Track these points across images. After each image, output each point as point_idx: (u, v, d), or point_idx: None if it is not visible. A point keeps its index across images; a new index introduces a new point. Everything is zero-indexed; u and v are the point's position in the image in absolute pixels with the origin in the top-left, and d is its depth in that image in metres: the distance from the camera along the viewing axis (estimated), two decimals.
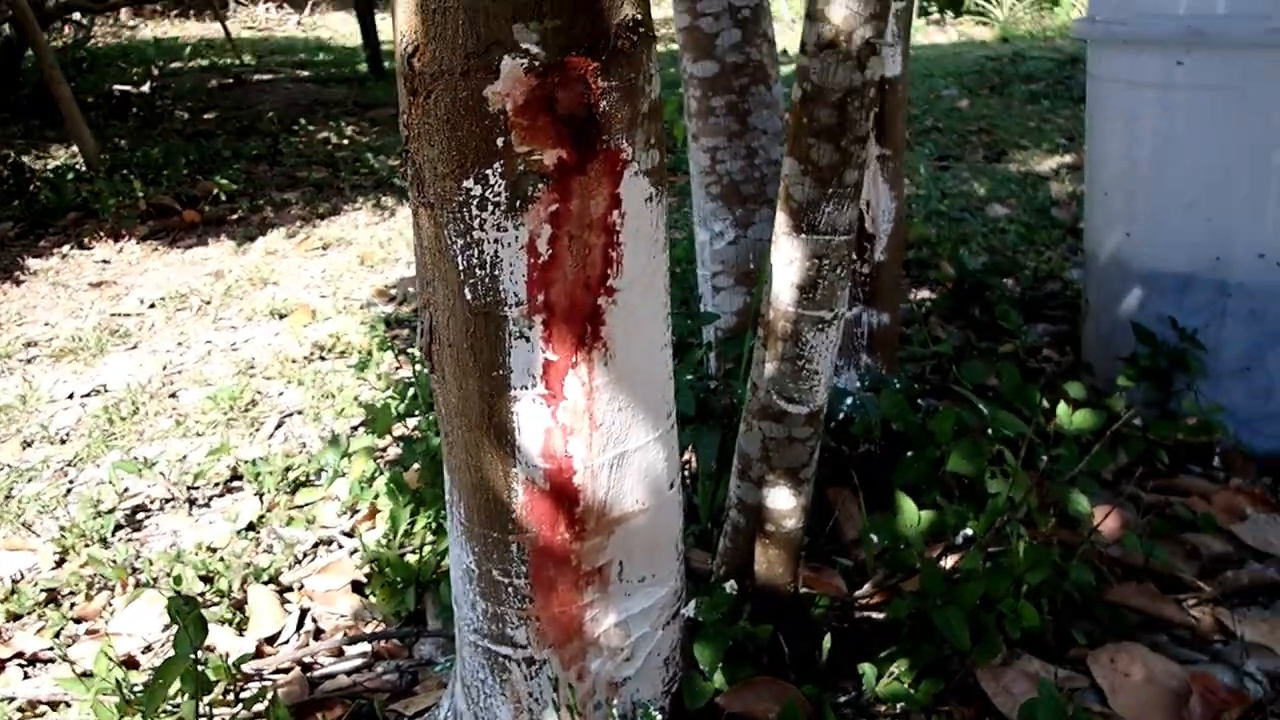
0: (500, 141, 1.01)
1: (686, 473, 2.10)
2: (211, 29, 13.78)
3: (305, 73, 9.87)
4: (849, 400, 1.96)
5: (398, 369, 3.10)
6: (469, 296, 1.08)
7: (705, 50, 2.24)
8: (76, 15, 9.00)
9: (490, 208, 1.04)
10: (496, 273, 1.07)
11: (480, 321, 1.09)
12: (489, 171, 1.02)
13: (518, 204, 1.03)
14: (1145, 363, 2.18)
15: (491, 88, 0.99)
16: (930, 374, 2.53)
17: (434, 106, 1.01)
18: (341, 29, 15.52)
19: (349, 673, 1.76)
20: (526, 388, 1.12)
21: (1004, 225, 4.10)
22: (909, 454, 1.79)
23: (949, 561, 1.63)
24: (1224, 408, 2.13)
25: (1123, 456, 2.08)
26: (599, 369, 1.13)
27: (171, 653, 1.46)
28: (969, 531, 1.57)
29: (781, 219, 1.36)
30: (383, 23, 9.73)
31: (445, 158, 1.03)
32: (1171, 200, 2.18)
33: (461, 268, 1.07)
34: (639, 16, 1.04)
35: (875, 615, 1.61)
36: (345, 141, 6.82)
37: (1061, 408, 1.97)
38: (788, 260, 1.36)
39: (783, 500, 1.46)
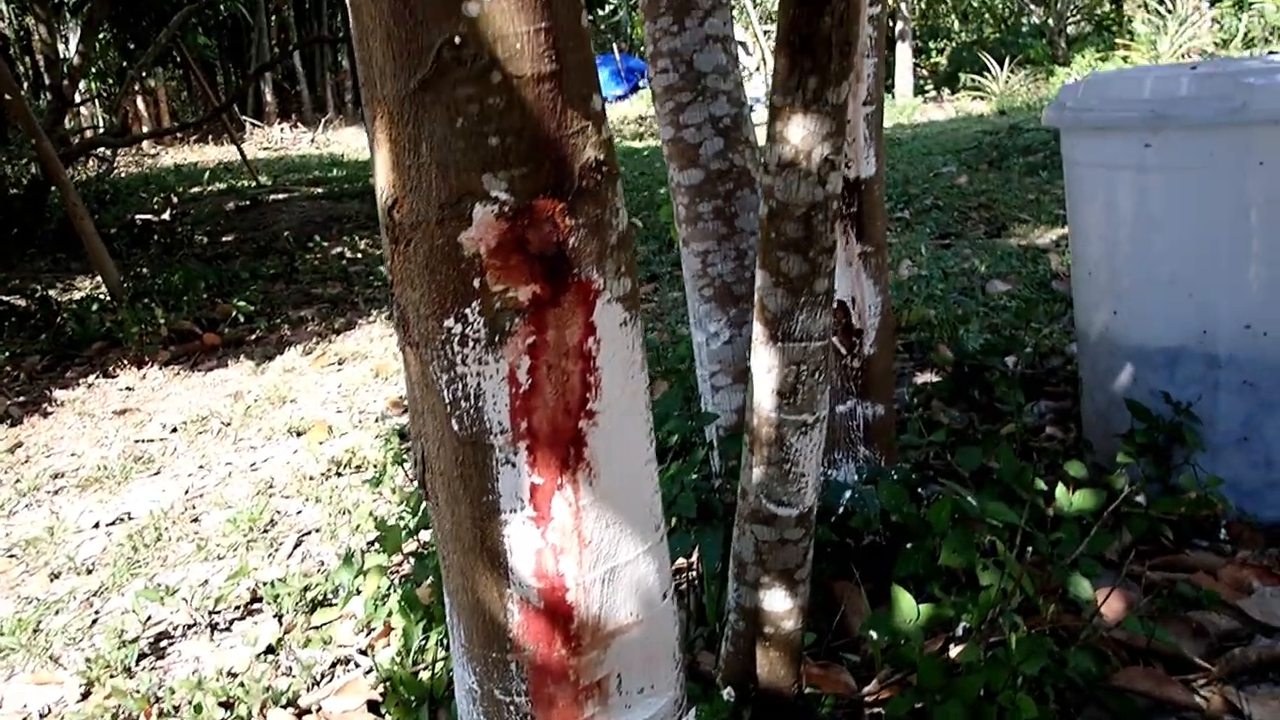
0: (477, 282, 1.07)
1: (694, 573, 2.13)
2: (229, 152, 14.17)
3: (319, 190, 10.14)
4: (848, 493, 1.99)
5: (412, 482, 3.15)
6: (456, 427, 1.14)
7: (690, 159, 2.33)
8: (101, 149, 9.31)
9: (471, 344, 1.10)
10: (480, 404, 1.12)
11: (468, 450, 1.15)
12: (468, 310, 1.08)
13: (497, 339, 1.09)
14: (1142, 439, 2.20)
15: (466, 234, 1.06)
16: (933, 459, 2.56)
17: (414, 253, 1.08)
18: (353, 143, 15.97)
19: None
20: (516, 511, 1.16)
21: (1005, 302, 4.16)
22: (908, 545, 1.81)
23: (954, 653, 1.65)
24: (1224, 480, 2.15)
25: (1126, 535, 2.09)
26: (584, 489, 1.18)
27: None
28: (967, 624, 1.59)
29: (758, 329, 1.41)
30: None
31: (427, 300, 1.09)
32: (1154, 277, 2.22)
33: (448, 401, 1.13)
34: (601, 157, 1.11)
35: (882, 712, 1.62)
36: (359, 255, 6.99)
37: (1060, 489, 2.00)
38: (766, 368, 1.41)
39: (779, 603, 1.49)
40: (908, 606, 1.61)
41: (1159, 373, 2.26)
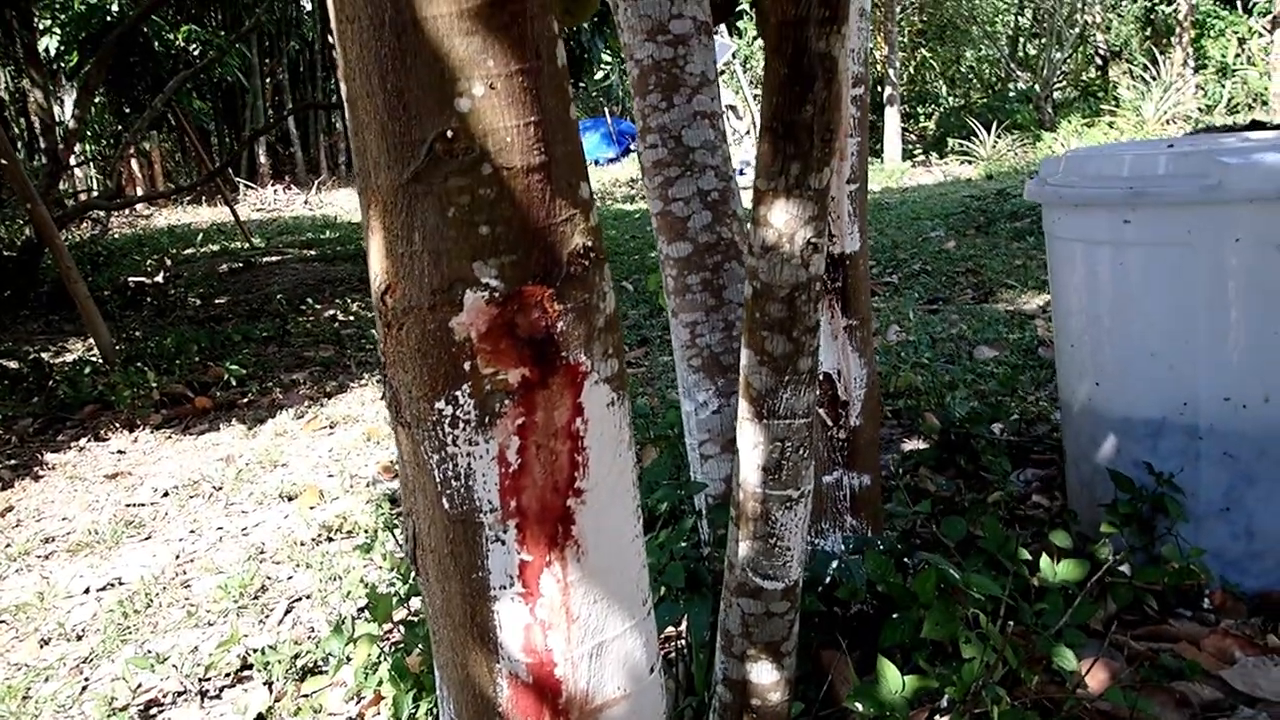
0: (467, 365, 1.10)
1: (682, 641, 2.14)
2: (223, 212, 14.28)
3: (312, 252, 10.22)
4: (835, 563, 2.01)
5: (402, 548, 3.15)
6: (447, 506, 1.16)
7: (679, 232, 2.38)
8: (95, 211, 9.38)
9: (461, 425, 1.12)
10: (471, 483, 1.15)
11: (458, 528, 1.17)
12: (458, 392, 1.11)
13: (487, 420, 1.12)
14: (1126, 509, 2.23)
15: (457, 319, 1.09)
16: (920, 528, 2.58)
17: (406, 337, 1.11)
18: (346, 205, 16.10)
19: None
20: (505, 588, 1.18)
21: (992, 368, 4.20)
22: (894, 616, 1.83)
23: None
24: (1207, 550, 2.17)
25: (1111, 605, 2.11)
26: (572, 566, 1.20)
27: None
28: (952, 696, 1.60)
29: (743, 405, 1.44)
30: None
31: (418, 382, 1.12)
32: (1135, 350, 2.27)
33: (438, 480, 1.15)
34: (589, 244, 1.15)
35: None
36: (351, 318, 7.03)
37: (1045, 560, 2.02)
38: (752, 444, 1.44)
39: (766, 675, 1.50)
40: (893, 678, 1.62)
41: (1141, 444, 2.29)
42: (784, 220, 1.35)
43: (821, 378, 2.21)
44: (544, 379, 1.14)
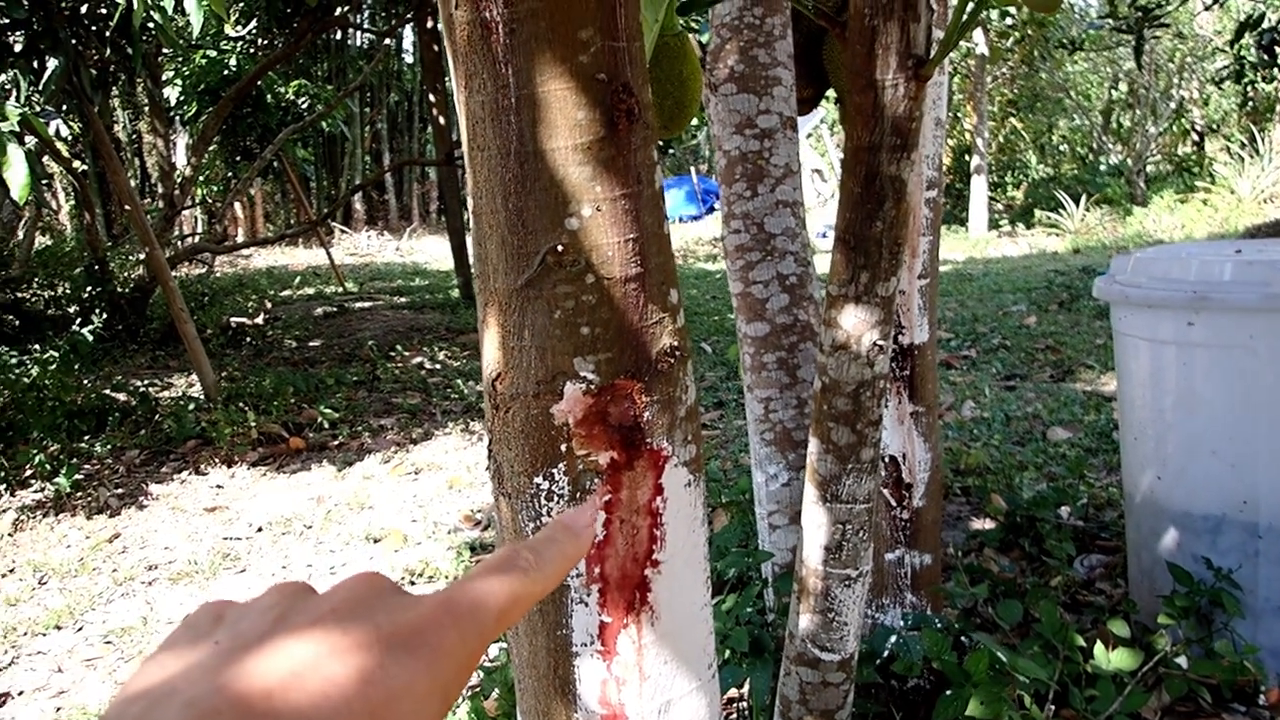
0: (563, 447, 1.25)
1: (744, 704, 2.25)
2: (318, 255, 14.80)
3: (402, 299, 10.55)
4: (893, 638, 2.11)
5: None
6: None
7: (757, 313, 2.52)
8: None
9: (556, 499, 1.27)
10: None
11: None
12: (555, 470, 1.26)
13: (578, 495, 1.27)
14: (1183, 602, 2.29)
15: (557, 406, 1.24)
16: (981, 607, 2.65)
17: (512, 420, 1.27)
18: (435, 252, 16.54)
19: None
20: (586, 645, 1.32)
21: (1064, 450, 4.24)
22: (947, 693, 1.92)
23: None
24: (1263, 647, 2.22)
25: (1165, 696, 2.17)
26: (646, 629, 1.33)
27: None
28: None
29: (809, 489, 1.57)
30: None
31: (520, 459, 1.28)
32: (1197, 447, 2.34)
33: None
34: (675, 344, 1.29)
35: None
36: (438, 366, 7.28)
37: (1099, 647, 2.09)
38: (816, 525, 1.57)
39: None
40: None
41: (1201, 538, 2.35)
42: (853, 324, 1.49)
43: (887, 460, 2.33)
44: (630, 461, 1.29)
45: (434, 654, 0.35)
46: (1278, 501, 2.25)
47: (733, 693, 2.35)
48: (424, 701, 0.33)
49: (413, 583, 3.51)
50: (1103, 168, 18.34)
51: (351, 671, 0.32)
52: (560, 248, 1.24)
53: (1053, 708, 1.79)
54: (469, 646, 0.36)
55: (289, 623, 0.35)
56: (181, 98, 9.72)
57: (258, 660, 0.32)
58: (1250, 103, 17.47)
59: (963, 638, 2.25)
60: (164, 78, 9.74)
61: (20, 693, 2.94)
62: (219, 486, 4.82)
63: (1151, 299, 2.36)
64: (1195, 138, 18.49)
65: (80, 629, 3.35)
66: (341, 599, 0.36)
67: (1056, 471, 3.91)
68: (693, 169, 22.02)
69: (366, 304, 10.33)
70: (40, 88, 4.74)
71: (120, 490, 4.76)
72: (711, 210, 20.69)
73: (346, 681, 0.32)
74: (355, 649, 0.33)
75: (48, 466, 4.83)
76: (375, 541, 3.99)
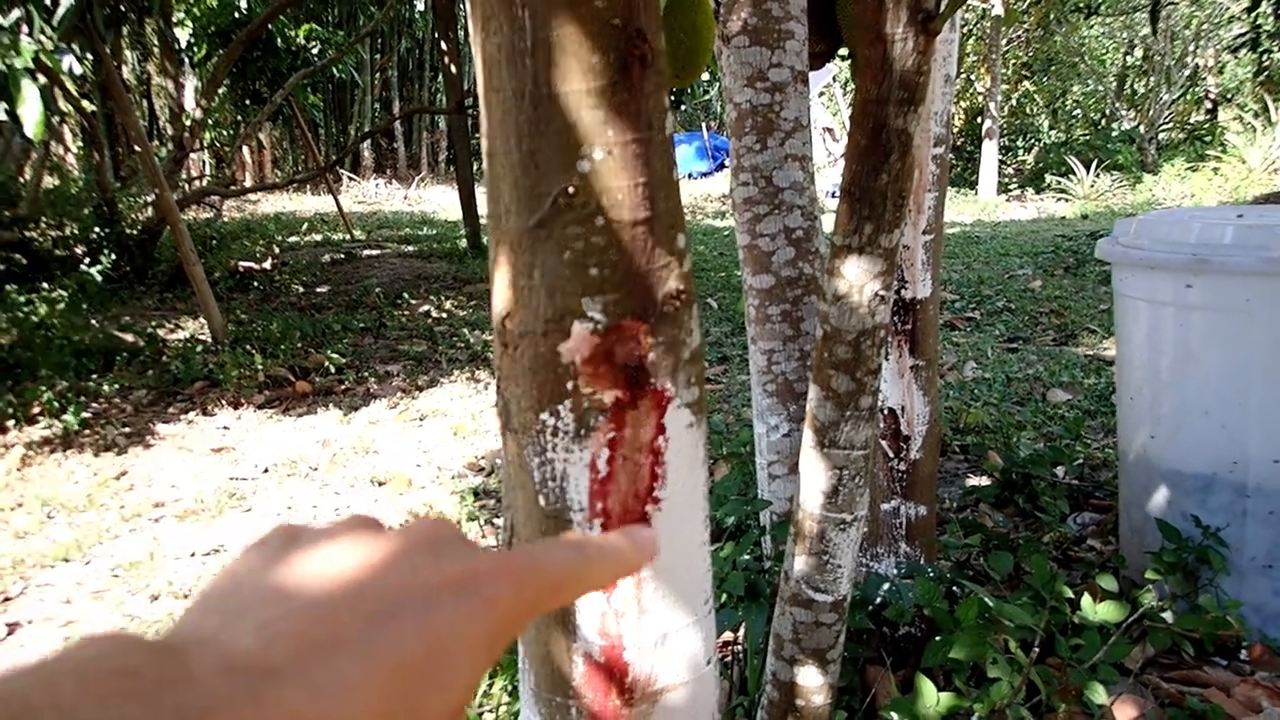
0: (570, 385, 1.29)
1: (739, 647, 2.31)
2: (326, 202, 14.77)
3: (410, 247, 10.56)
4: (886, 586, 2.16)
5: (484, 538, 3.37)
6: (542, 503, 1.35)
7: (763, 265, 2.55)
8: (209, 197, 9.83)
9: (561, 435, 1.31)
10: (565, 485, 1.33)
11: (551, 523, 1.35)
12: (560, 407, 1.30)
13: (582, 432, 1.31)
14: (1171, 558, 2.34)
15: (564, 345, 1.28)
16: (974, 560, 2.71)
17: (520, 357, 1.30)
18: (443, 201, 16.51)
19: None
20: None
21: (1063, 411, 4.28)
22: (937, 639, 1.97)
23: None
24: (1247, 603, 2.27)
25: (1149, 648, 2.22)
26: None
27: None
28: (980, 714, 1.74)
29: (808, 435, 1.61)
30: (481, 198, 10.48)
31: (527, 396, 1.31)
32: (1190, 408, 2.38)
33: (536, 480, 1.34)
34: (681, 288, 1.33)
35: None
36: (444, 315, 7.31)
37: (1086, 599, 2.14)
38: (813, 470, 1.61)
39: (811, 678, 1.66)
40: (929, 694, 1.77)
41: (1191, 497, 2.40)
42: (855, 274, 1.52)
43: (886, 412, 2.37)
44: (634, 400, 1.33)
45: (487, 603, 0.36)
46: (1267, 462, 2.29)
47: (728, 636, 2.41)
48: (476, 646, 0.35)
49: None
50: (1115, 134, 18.24)
51: (416, 607, 0.34)
52: (572, 189, 1.27)
53: (1038, 651, 1.85)
54: (521, 605, 0.38)
55: (358, 552, 0.36)
56: (192, 39, 9.68)
57: (327, 586, 0.34)
58: (1265, 72, 17.32)
59: (954, 587, 2.30)
60: (175, 18, 9.70)
61: (30, 621, 3.01)
62: (225, 428, 4.88)
63: (1152, 260, 2.38)
64: (1209, 106, 18.35)
65: (88, 562, 3.41)
66: (411, 537, 0.38)
67: (1054, 432, 3.95)
68: (704, 125, 21.90)
69: (374, 252, 10.35)
70: (54, 24, 4.73)
71: (128, 429, 4.82)
72: (722, 166, 20.62)
73: (410, 616, 0.34)
74: (420, 585, 0.35)
75: (56, 404, 4.88)
76: (380, 485, 4.04)
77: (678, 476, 1.43)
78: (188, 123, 8.19)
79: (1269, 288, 2.21)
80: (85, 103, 7.71)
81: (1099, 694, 1.86)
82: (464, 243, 10.39)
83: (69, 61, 4.84)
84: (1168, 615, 2.31)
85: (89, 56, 6.03)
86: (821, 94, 16.98)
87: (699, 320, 1.43)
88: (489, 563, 0.38)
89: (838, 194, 1.57)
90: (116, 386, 5.30)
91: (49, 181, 8.32)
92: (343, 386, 5.51)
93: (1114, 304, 2.63)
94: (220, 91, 9.59)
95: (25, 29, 4.44)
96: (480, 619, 0.35)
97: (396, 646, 0.32)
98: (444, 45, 9.92)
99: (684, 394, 1.41)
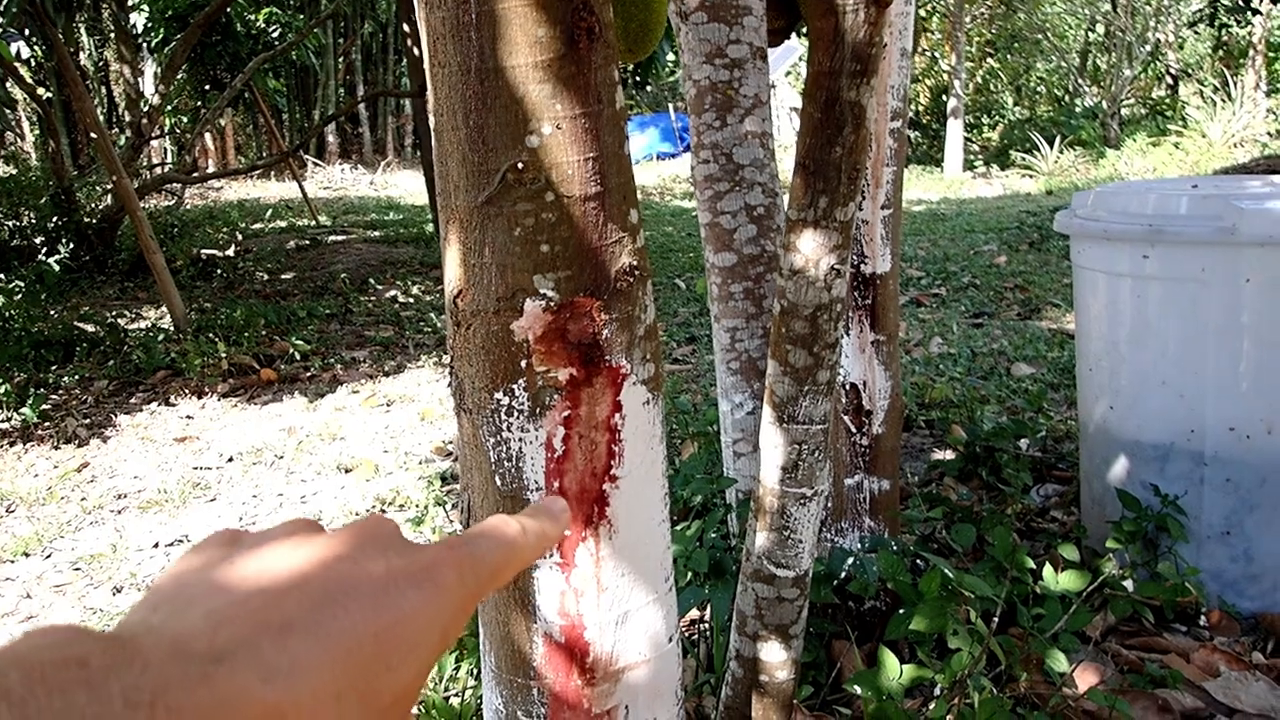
0: (523, 363, 1.28)
1: (705, 624, 2.31)
2: (290, 188, 14.63)
3: (376, 233, 10.48)
4: (850, 560, 2.17)
5: (451, 523, 3.35)
6: (499, 483, 1.34)
7: (725, 243, 2.54)
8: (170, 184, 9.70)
9: (515, 414, 1.30)
10: (520, 465, 1.32)
11: (508, 503, 1.35)
12: (514, 386, 1.29)
13: (537, 411, 1.30)
14: (1131, 527, 2.36)
15: (517, 323, 1.27)
16: (939, 534, 2.72)
17: (472, 336, 1.29)
18: (409, 186, 16.39)
19: None
20: (545, 557, 1.36)
21: (1027, 385, 4.31)
22: (900, 611, 1.98)
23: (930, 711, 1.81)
24: (1206, 570, 2.30)
25: (1110, 616, 2.24)
26: (605, 542, 1.37)
27: None
28: (942, 685, 1.75)
29: (767, 410, 1.61)
30: None
31: (481, 375, 1.30)
32: (1148, 377, 2.39)
33: (493, 460, 1.33)
34: (634, 263, 1.32)
35: None
36: (411, 300, 7.26)
37: (1048, 569, 2.16)
38: (773, 445, 1.61)
39: (774, 654, 1.67)
40: (892, 666, 1.78)
41: (1150, 466, 2.42)
42: (811, 248, 1.51)
43: (848, 387, 2.37)
44: (589, 378, 1.32)
45: (436, 590, 0.37)
46: (1223, 432, 2.31)
47: (693, 614, 2.41)
48: (425, 632, 0.35)
49: (384, 510, 3.55)
50: (1078, 110, 18.33)
51: (363, 595, 0.35)
52: (521, 165, 1.26)
53: (998, 622, 1.86)
54: (466, 590, 0.39)
55: (301, 550, 0.37)
56: (149, 24, 9.52)
57: (273, 578, 0.34)
58: (1224, 47, 17.49)
59: (918, 560, 2.31)
60: (130, 3, 9.54)
61: None
62: (189, 417, 4.83)
63: (1110, 232, 2.40)
64: (1169, 81, 18.50)
65: (49, 556, 3.37)
66: (353, 535, 0.38)
67: (1018, 405, 3.98)
68: (670, 106, 21.83)
69: (339, 237, 10.26)
70: (1, 9, 4.64)
71: (88, 420, 4.76)
72: (689, 148, 20.52)
73: (357, 604, 0.34)
74: (367, 576, 0.36)
75: (14, 396, 4.81)
76: (347, 471, 4.02)
77: (635, 454, 1.42)
78: (145, 109, 8.07)
79: (1223, 257, 2.23)
80: (40, 90, 7.58)
81: (1060, 662, 1.88)
82: (430, 227, 10.32)
83: (18, 46, 4.75)
84: (1128, 583, 2.34)
85: (41, 41, 5.92)
86: (789, 73, 16.97)
87: (652, 296, 1.42)
88: (432, 554, 0.39)
89: None
90: (77, 377, 5.23)
91: (4, 170, 8.18)
92: (308, 374, 5.47)
93: (1073, 276, 2.65)
94: (179, 77, 9.46)
95: None
96: (430, 604, 0.36)
97: (346, 630, 0.33)
98: (406, 28, 9.82)
99: (639, 370, 1.40)
